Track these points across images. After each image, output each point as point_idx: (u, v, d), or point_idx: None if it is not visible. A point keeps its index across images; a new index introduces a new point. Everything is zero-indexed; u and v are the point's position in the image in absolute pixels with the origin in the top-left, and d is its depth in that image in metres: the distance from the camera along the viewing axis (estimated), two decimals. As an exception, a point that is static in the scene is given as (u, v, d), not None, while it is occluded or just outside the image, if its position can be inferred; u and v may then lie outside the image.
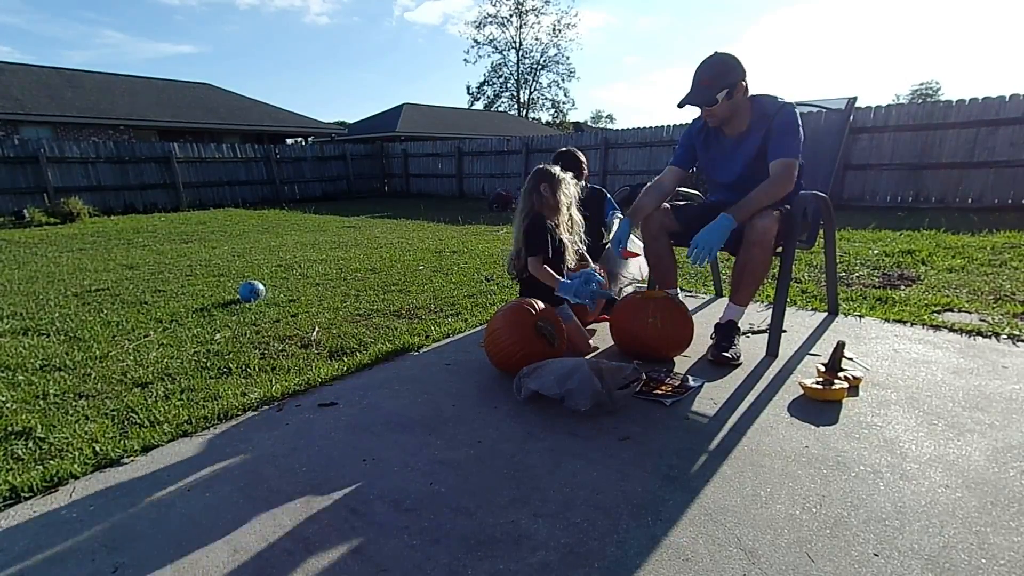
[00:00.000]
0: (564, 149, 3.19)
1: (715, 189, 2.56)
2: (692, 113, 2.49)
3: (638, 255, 2.63)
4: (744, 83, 2.15)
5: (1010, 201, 7.37)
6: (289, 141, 20.16)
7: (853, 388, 1.92)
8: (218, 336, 2.78)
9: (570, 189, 2.43)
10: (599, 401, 1.77)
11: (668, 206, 2.47)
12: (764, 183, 2.14)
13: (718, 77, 2.13)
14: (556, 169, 2.44)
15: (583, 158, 3.16)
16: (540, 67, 42.23)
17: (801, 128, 2.15)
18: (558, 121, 44.49)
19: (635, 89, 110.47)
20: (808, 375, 2.07)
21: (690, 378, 2.05)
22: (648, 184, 2.52)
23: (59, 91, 15.64)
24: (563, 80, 47.61)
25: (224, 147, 13.38)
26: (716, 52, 2.17)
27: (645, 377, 1.98)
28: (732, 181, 2.35)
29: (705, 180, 2.65)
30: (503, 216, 9.08)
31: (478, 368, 2.27)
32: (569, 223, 2.47)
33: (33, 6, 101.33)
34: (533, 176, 2.42)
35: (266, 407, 1.96)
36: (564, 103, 45.00)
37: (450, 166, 14.83)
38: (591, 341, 2.40)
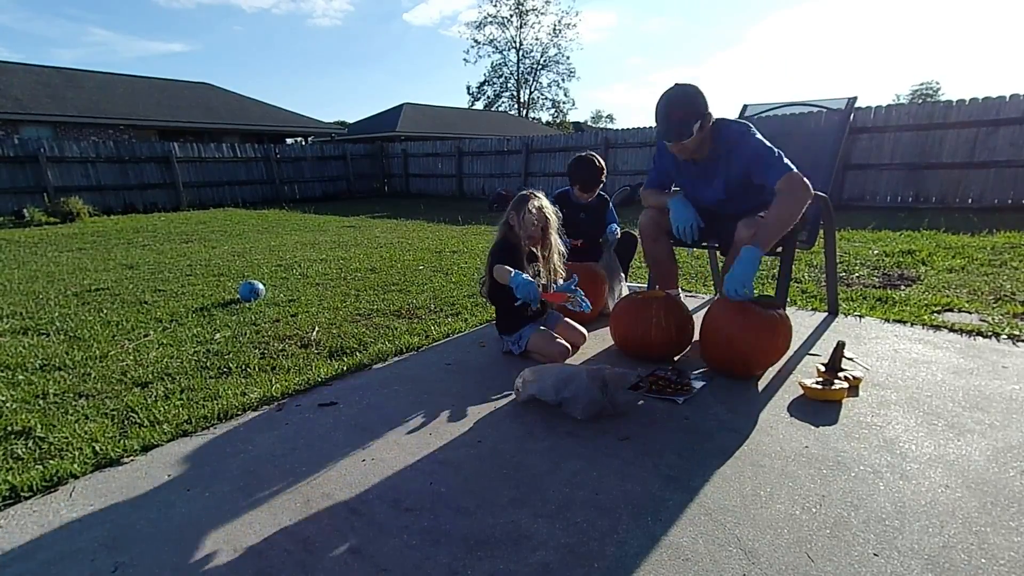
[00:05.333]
0: (583, 155, 2.91)
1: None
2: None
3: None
4: (709, 112, 2.09)
5: (1010, 201, 7.37)
6: (289, 141, 20.14)
7: (853, 388, 1.92)
8: (218, 336, 2.78)
9: (531, 217, 2.34)
10: (597, 411, 1.76)
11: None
12: (777, 203, 2.01)
13: (689, 108, 2.05)
14: (540, 196, 2.37)
15: (601, 164, 2.91)
16: (540, 67, 42.23)
17: (765, 140, 2.08)
18: (558, 121, 44.47)
19: (636, 90, 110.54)
20: (808, 375, 2.07)
21: (692, 378, 2.06)
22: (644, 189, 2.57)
23: (59, 91, 15.63)
24: (563, 80, 47.57)
25: (224, 147, 13.37)
26: (677, 84, 2.10)
27: (651, 378, 1.99)
28: (715, 204, 2.32)
29: None
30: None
31: (478, 368, 2.27)
32: (544, 250, 2.44)
33: (18, 3, 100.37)
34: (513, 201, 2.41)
35: (266, 407, 1.96)
36: (564, 103, 45.03)
37: (450, 166, 14.83)
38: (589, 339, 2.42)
